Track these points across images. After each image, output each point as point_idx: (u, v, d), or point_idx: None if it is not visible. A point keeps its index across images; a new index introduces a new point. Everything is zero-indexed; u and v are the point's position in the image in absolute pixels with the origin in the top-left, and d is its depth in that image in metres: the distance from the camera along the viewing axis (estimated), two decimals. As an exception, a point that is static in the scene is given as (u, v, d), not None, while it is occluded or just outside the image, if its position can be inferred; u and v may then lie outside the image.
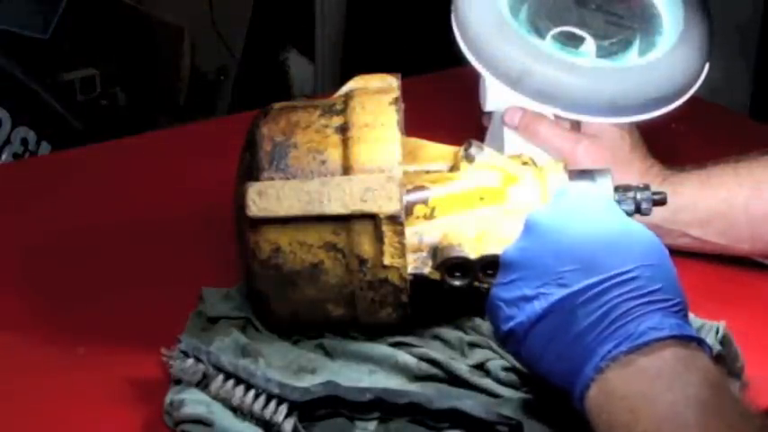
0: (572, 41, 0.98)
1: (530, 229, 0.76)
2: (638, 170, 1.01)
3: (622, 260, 0.70)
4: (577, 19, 1.00)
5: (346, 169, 0.81)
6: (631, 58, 0.99)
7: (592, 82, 0.96)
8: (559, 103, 0.97)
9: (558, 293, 0.70)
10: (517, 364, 0.83)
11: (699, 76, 0.99)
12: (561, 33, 0.98)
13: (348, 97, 0.86)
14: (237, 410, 0.79)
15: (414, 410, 0.79)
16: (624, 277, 0.70)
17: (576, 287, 0.70)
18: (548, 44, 0.98)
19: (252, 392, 0.79)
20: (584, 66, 0.97)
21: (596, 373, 0.68)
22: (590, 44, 0.98)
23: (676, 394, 0.65)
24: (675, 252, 1.02)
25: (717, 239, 1.00)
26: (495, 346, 0.85)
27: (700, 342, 0.69)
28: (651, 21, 1.01)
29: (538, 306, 0.71)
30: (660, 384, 0.66)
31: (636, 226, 0.74)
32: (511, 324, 0.73)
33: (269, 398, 0.79)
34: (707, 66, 0.99)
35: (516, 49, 0.96)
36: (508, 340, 0.75)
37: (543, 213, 0.76)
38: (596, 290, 0.69)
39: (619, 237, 0.73)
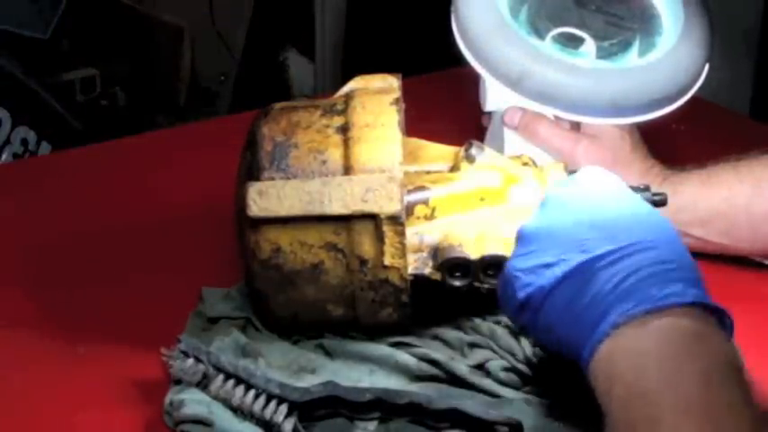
0: (572, 42, 0.98)
1: (548, 203, 0.75)
2: (639, 170, 1.01)
3: (643, 232, 0.70)
4: (577, 20, 1.00)
5: (347, 169, 0.81)
6: (631, 58, 0.99)
7: (592, 83, 0.96)
8: (559, 104, 0.97)
9: (580, 258, 0.70)
10: (517, 365, 0.83)
11: (699, 76, 0.99)
12: (561, 34, 0.98)
13: (349, 97, 0.86)
14: (237, 410, 0.79)
15: (414, 410, 0.79)
16: (647, 245, 0.69)
17: (598, 252, 0.69)
18: (548, 45, 0.98)
19: (252, 392, 0.79)
20: (584, 67, 0.97)
21: (612, 328, 0.67)
22: (590, 45, 0.98)
23: (685, 363, 0.65)
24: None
25: (718, 239, 1.00)
26: (495, 346, 0.85)
27: (721, 316, 0.68)
28: (651, 21, 1.01)
29: (558, 270, 0.70)
30: (672, 350, 0.66)
31: (651, 208, 0.74)
32: (529, 290, 0.72)
33: (269, 398, 0.79)
34: (707, 66, 0.99)
35: (516, 50, 0.96)
36: (524, 308, 0.73)
37: (562, 189, 0.76)
38: (619, 255, 0.69)
39: (637, 213, 0.73)
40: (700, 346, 0.66)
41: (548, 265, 0.71)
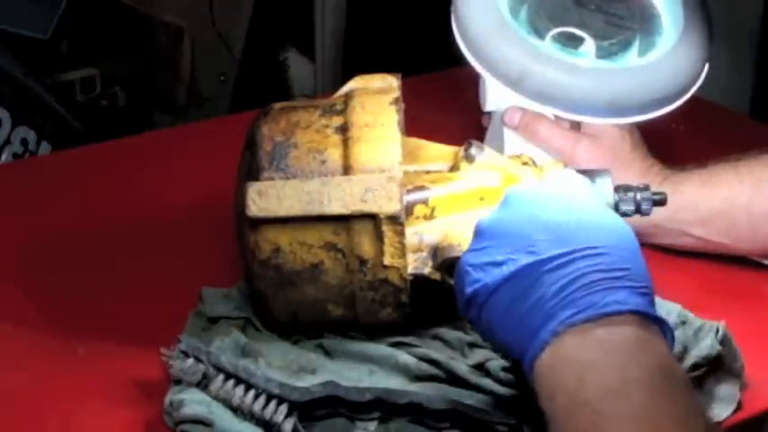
0: (572, 42, 0.98)
1: (508, 201, 0.75)
2: (639, 170, 1.01)
3: (596, 237, 0.70)
4: (577, 19, 1.00)
5: (346, 169, 0.81)
6: (631, 58, 0.99)
7: (592, 83, 0.96)
8: (559, 104, 0.97)
9: (526, 259, 0.70)
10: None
11: (699, 76, 0.99)
12: (561, 34, 0.98)
13: (348, 97, 0.86)
14: (237, 410, 0.79)
15: (414, 410, 0.79)
16: (595, 251, 0.69)
17: (545, 255, 0.69)
18: (547, 45, 0.98)
19: (252, 392, 0.79)
20: (583, 66, 0.97)
21: (553, 336, 0.67)
22: (590, 45, 0.98)
23: (628, 372, 0.65)
24: (676, 252, 1.03)
25: (718, 239, 1.00)
26: (495, 346, 0.85)
27: (662, 326, 0.68)
28: (651, 21, 1.01)
29: (506, 270, 0.70)
30: (614, 359, 0.65)
31: (613, 214, 0.74)
32: (476, 286, 0.72)
33: (269, 398, 0.79)
34: (707, 66, 0.99)
35: (516, 49, 0.96)
36: (471, 304, 0.73)
37: (524, 189, 0.77)
38: (565, 259, 0.69)
39: (595, 217, 0.72)
40: (643, 354, 0.66)
41: (496, 264, 0.71)
